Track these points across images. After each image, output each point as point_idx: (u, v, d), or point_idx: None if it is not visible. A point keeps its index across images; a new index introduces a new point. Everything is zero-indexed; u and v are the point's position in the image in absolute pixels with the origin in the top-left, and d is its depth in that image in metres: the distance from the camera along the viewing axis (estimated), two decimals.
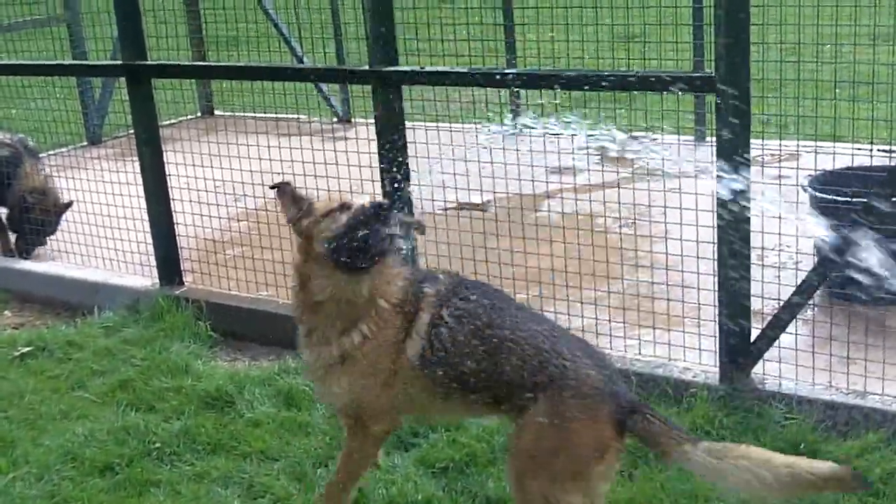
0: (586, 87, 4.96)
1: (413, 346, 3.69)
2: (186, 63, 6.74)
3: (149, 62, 6.34)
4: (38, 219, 7.40)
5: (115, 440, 4.86)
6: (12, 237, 7.68)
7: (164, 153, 6.46)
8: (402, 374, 3.72)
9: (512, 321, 3.66)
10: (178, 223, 6.56)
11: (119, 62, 6.58)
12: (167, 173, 6.47)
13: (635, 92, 5.28)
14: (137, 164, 6.52)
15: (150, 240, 6.57)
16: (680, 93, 4.52)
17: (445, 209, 6.52)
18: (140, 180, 6.54)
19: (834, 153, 5.00)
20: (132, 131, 6.66)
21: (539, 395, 3.49)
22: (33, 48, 9.91)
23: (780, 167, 5.17)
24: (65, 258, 7.31)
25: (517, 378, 3.54)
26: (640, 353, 5.09)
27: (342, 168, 5.99)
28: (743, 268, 4.57)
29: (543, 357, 3.54)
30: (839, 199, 5.17)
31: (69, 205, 7.41)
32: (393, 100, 5.35)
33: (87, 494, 4.39)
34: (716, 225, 4.62)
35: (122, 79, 6.73)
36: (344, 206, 3.71)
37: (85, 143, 10.27)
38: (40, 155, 7.99)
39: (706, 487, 4.15)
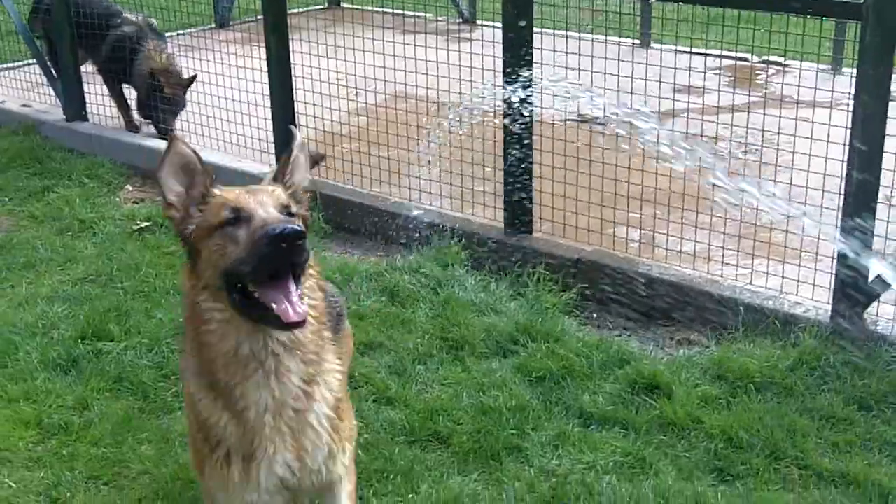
0: (725, 4, 4.80)
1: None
2: None
3: None
4: (166, 97, 7.51)
5: None
6: (138, 117, 7.83)
7: (290, 41, 6.48)
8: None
9: None
10: (298, 112, 6.61)
11: None
12: (292, 62, 6.51)
13: (775, 14, 5.08)
14: (263, 51, 6.57)
15: (270, 126, 6.65)
16: (824, 17, 4.34)
17: (565, 120, 6.43)
18: (264, 67, 6.60)
19: None
20: (260, 17, 6.69)
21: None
22: None
23: None
24: (186, 138, 7.44)
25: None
26: (750, 283, 4.99)
27: (464, 70, 5.94)
28: (869, 206, 4.43)
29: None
30: None
31: (193, 79, 7.50)
32: (522, 2, 5.26)
33: None
34: (846, 159, 4.47)
35: None
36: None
37: (213, 26, 10.39)
38: (165, 35, 8.09)
39: (803, 423, 4.09)
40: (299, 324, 2.59)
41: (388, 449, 4.02)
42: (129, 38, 7.65)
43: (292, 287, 2.61)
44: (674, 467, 3.92)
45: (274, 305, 2.58)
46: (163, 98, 7.46)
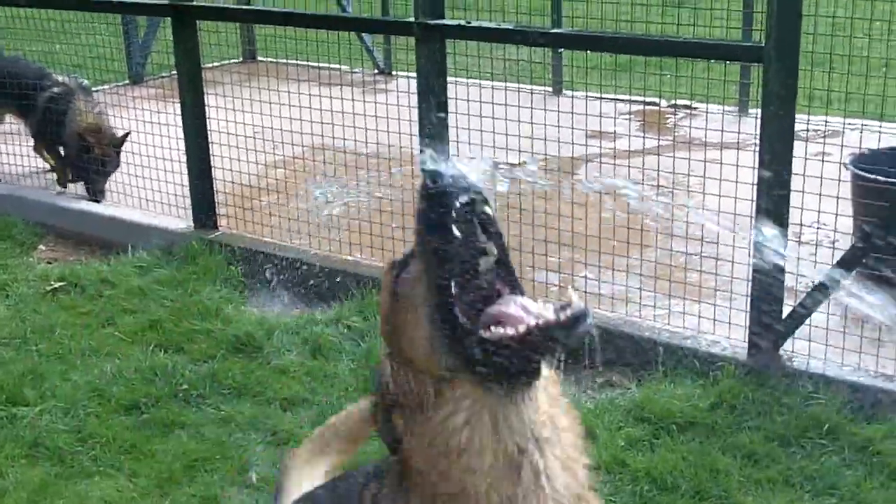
0: (633, 52, 4.91)
1: None
2: (233, 6, 6.77)
3: (195, 3, 6.33)
4: (98, 158, 7.35)
5: (143, 379, 4.91)
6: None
7: (206, 96, 6.46)
8: None
9: None
10: (215, 167, 6.58)
11: (166, 2, 6.55)
12: (207, 116, 6.48)
13: (682, 59, 5.21)
14: (178, 106, 6.54)
15: (186, 182, 6.60)
16: (727, 61, 4.46)
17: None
18: (180, 122, 6.56)
19: (880, 132, 4.93)
20: (174, 72, 6.66)
21: None
22: None
23: (823, 143, 5.10)
24: (106, 196, 7.35)
25: None
26: (668, 324, 5.06)
27: (381, 121, 5.97)
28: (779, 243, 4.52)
29: None
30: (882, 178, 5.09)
31: (125, 137, 7.38)
32: (436, 54, 5.32)
33: (112, 432, 4.44)
34: (754, 198, 4.57)
35: (167, 19, 6.73)
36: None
37: (127, 82, 10.29)
38: (93, 92, 8.00)
39: (726, 461, 4.14)
40: (582, 316, 1.79)
41: None
42: (58, 97, 7.53)
43: (512, 285, 1.86)
44: None
45: (524, 315, 1.80)
46: (93, 159, 7.32)
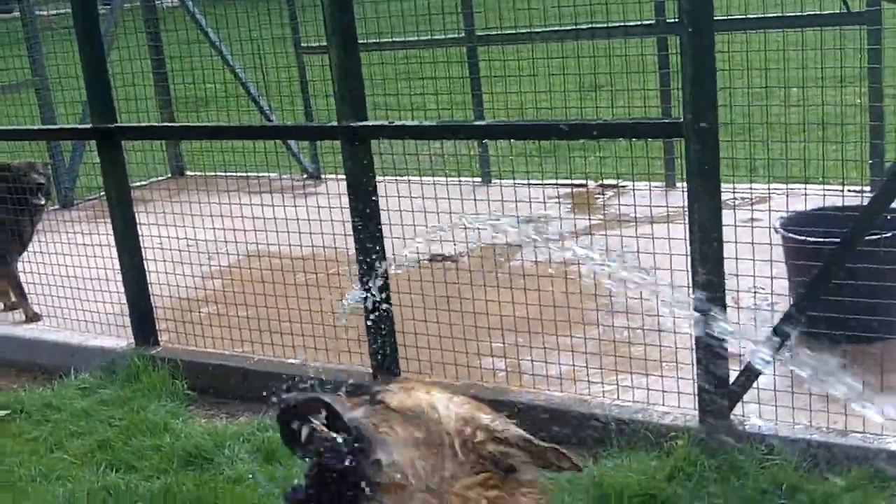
0: (554, 137, 5.02)
1: None
2: (157, 124, 6.81)
3: (119, 124, 6.36)
4: (18, 175, 7.22)
5: (96, 500, 4.82)
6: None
7: (136, 214, 6.45)
8: None
9: None
10: (151, 283, 6.54)
11: (89, 126, 6.58)
12: (139, 234, 6.47)
13: (604, 140, 5.35)
14: (110, 226, 6.52)
15: (124, 300, 6.55)
16: (648, 139, 4.59)
17: (418, 262, 6.54)
18: (112, 241, 6.53)
19: (805, 194, 5.08)
20: (103, 193, 6.65)
21: None
22: (2, 114, 9.94)
23: (751, 210, 5.24)
24: (44, 321, 7.25)
25: None
26: (618, 399, 5.10)
27: (314, 224, 6.01)
28: (718, 309, 4.61)
29: None
30: (811, 239, 5.24)
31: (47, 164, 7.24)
32: (362, 155, 5.39)
33: None
34: (689, 268, 4.66)
35: (92, 141, 6.75)
36: None
37: (56, 207, 10.23)
38: None
39: None
40: None
41: None
42: None
43: None
44: None
45: None
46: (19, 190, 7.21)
